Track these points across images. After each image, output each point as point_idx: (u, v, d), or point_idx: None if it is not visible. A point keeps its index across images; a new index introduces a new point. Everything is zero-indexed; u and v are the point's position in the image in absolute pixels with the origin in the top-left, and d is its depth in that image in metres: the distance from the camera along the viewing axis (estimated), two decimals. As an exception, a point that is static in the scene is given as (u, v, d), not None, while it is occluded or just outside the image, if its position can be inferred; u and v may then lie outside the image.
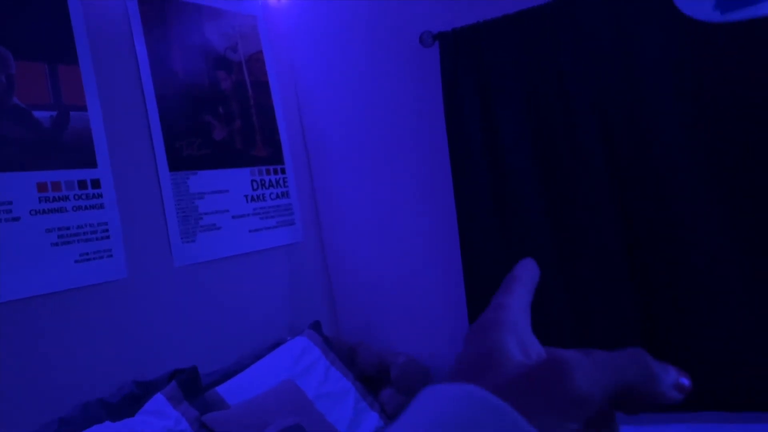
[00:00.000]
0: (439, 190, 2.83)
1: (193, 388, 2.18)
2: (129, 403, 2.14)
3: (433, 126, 2.81)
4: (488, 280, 2.65)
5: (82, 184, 2.24)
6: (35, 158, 2.12)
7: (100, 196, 2.30)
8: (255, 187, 2.91)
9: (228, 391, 2.32)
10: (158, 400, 2.08)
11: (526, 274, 0.37)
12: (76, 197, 2.22)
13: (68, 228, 2.18)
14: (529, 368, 0.30)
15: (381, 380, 2.80)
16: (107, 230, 2.29)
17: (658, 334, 2.36)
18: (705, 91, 2.20)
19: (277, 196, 3.02)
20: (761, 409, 2.19)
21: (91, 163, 2.29)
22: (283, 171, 3.08)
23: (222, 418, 2.12)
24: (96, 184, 2.29)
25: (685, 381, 0.32)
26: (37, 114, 2.15)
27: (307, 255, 3.18)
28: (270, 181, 3.00)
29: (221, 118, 2.81)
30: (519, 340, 0.33)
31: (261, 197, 2.93)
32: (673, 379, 0.31)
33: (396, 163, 2.97)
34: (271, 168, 3.02)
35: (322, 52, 3.16)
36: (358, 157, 3.10)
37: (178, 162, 2.60)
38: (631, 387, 0.30)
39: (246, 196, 2.86)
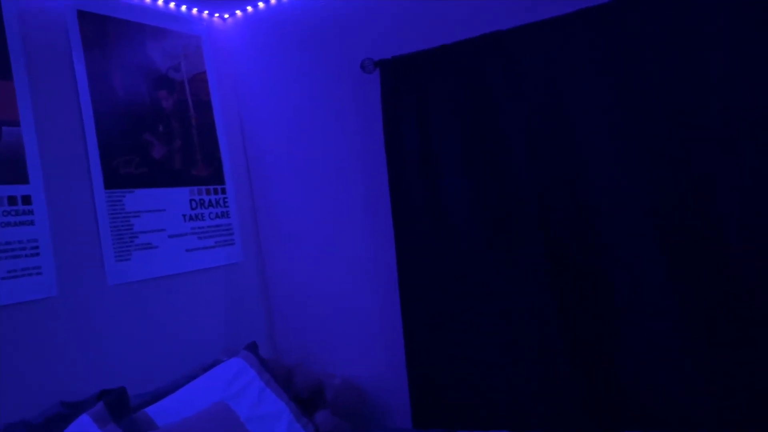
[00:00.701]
0: (378, 212, 2.87)
1: (120, 409, 2.14)
2: (54, 424, 2.09)
3: (373, 149, 2.86)
4: (425, 302, 2.69)
5: (11, 200, 2.21)
6: (-37, 173, 2.09)
7: (31, 212, 2.26)
8: (194, 206, 2.90)
9: (158, 412, 2.29)
10: (83, 421, 2.04)
11: None
12: (5, 213, 2.18)
13: (-5, 244, 2.14)
14: None
15: (317, 402, 2.80)
16: (37, 247, 2.26)
17: (588, 361, 2.43)
18: (634, 117, 2.29)
19: (217, 216, 3.02)
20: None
21: (23, 179, 2.25)
22: (223, 191, 3.08)
23: (149, 439, 2.09)
24: (27, 200, 2.25)
25: None
26: (-33, 128, 2.12)
27: (247, 275, 3.17)
28: (210, 200, 2.99)
29: (161, 137, 2.81)
30: None
31: (200, 217, 2.92)
32: None
33: (336, 184, 3.01)
34: (212, 188, 3.02)
35: (266, 73, 3.19)
36: (300, 178, 3.12)
37: (115, 180, 2.58)
38: None
39: (184, 216, 2.85)
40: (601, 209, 2.37)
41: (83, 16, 2.58)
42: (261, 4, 3.15)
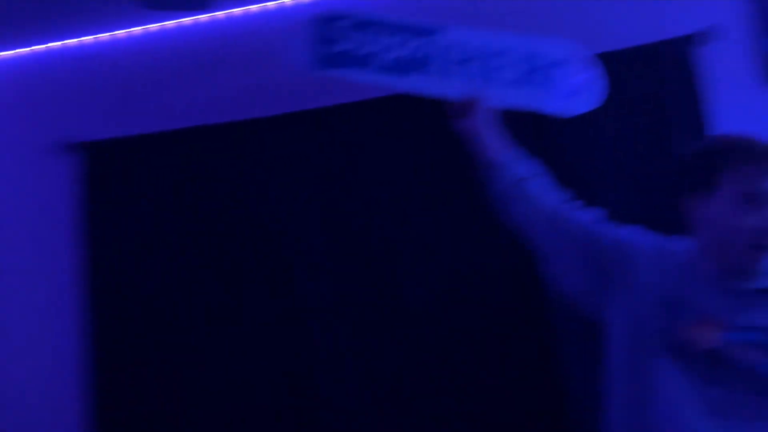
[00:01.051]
0: (63, 302, 2.56)
1: None
2: None
3: (61, 239, 2.58)
4: (123, 388, 2.47)
5: None
6: None
7: None
8: None
9: None
10: None
11: None
12: None
13: None
14: None
15: None
16: None
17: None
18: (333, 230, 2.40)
19: None
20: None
21: None
22: None
23: None
24: None
25: None
26: None
27: None
28: None
29: None
30: None
31: None
32: None
33: (19, 275, 2.65)
34: None
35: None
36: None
37: None
38: None
39: None
40: (300, 291, 2.41)
41: None
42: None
